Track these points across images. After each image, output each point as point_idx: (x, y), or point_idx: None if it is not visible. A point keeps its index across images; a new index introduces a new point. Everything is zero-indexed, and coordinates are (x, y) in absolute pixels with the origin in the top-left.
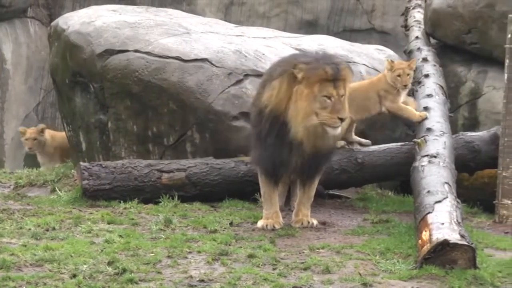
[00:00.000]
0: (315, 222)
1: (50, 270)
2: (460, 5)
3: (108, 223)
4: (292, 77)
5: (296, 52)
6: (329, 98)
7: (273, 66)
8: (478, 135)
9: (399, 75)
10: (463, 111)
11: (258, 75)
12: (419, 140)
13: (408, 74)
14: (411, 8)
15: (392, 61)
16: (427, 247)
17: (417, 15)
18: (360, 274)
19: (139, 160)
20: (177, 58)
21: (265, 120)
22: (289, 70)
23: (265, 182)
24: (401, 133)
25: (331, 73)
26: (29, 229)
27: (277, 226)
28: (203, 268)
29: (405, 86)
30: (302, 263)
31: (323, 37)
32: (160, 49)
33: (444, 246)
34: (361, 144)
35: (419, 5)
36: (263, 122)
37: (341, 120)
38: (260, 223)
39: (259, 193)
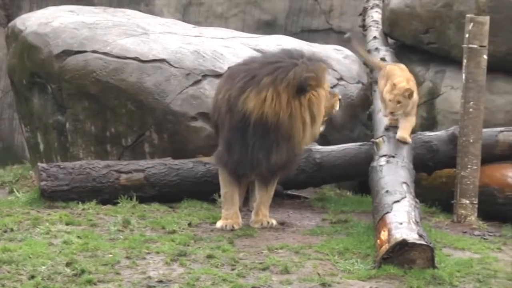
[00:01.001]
0: (274, 222)
1: (8, 272)
2: (418, 5)
3: (67, 224)
4: (294, 89)
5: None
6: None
7: (255, 70)
8: (436, 135)
9: (390, 100)
10: (421, 111)
11: (217, 75)
12: (377, 140)
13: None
14: (369, 8)
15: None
16: (385, 247)
17: (375, 15)
18: (319, 274)
19: (97, 161)
20: (135, 58)
21: (250, 125)
22: (293, 82)
23: (229, 182)
24: (359, 133)
25: (326, 69)
26: None
27: (236, 227)
28: (161, 268)
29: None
30: (261, 263)
31: (281, 37)
32: (118, 49)
33: (403, 245)
34: None
35: (377, 5)
36: (245, 126)
37: (340, 101)
38: (219, 224)
39: (217, 193)
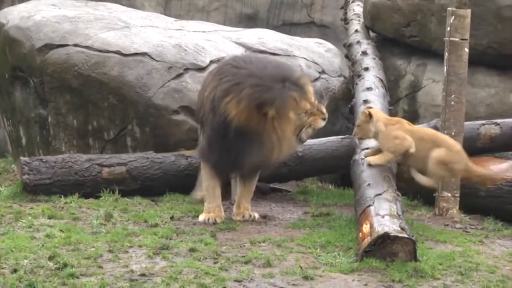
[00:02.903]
0: (256, 215)
1: None
2: None
3: (49, 218)
4: (262, 112)
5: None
6: (307, 112)
7: (242, 77)
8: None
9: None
10: (403, 104)
11: (199, 68)
12: None
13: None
14: (351, 1)
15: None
16: (367, 240)
17: (357, 8)
18: (301, 267)
19: (79, 154)
20: (117, 52)
21: (230, 129)
22: (252, 106)
23: (211, 176)
24: (341, 126)
25: (298, 96)
26: None
27: (218, 220)
28: (144, 262)
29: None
30: (243, 256)
31: (262, 30)
32: (100, 43)
33: (385, 239)
34: None
35: None
36: (226, 129)
37: (324, 119)
38: (201, 217)
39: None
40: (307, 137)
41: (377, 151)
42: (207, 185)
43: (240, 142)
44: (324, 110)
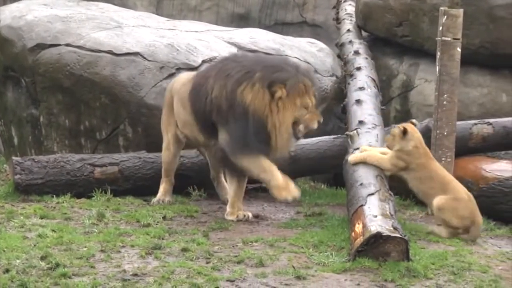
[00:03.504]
0: (250, 215)
1: None
2: None
3: (41, 218)
4: (271, 91)
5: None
6: (307, 108)
7: (250, 66)
8: None
9: None
10: (395, 104)
11: (191, 68)
12: (351, 133)
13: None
14: (343, 1)
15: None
16: (360, 240)
17: (349, 8)
18: (293, 267)
19: (71, 154)
20: (109, 52)
21: (250, 118)
22: (265, 87)
23: (263, 161)
24: (333, 126)
25: (309, 85)
26: None
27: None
28: (136, 262)
29: None
30: (236, 256)
31: (255, 30)
32: (92, 43)
33: (377, 238)
34: None
35: None
36: (248, 119)
37: (319, 123)
38: (289, 196)
39: (191, 187)
40: (301, 135)
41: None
42: (261, 168)
43: (262, 126)
44: (320, 118)
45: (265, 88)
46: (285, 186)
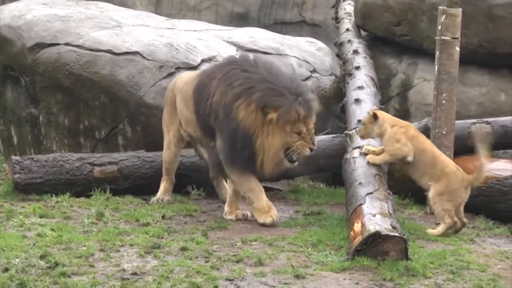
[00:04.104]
0: (249, 214)
1: None
2: None
3: (40, 217)
4: (263, 113)
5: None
6: (300, 134)
7: (255, 82)
8: None
9: None
10: (394, 103)
11: (190, 68)
12: (350, 132)
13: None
14: (342, 0)
15: None
16: (359, 239)
17: (348, 7)
18: (292, 266)
19: (70, 153)
20: (108, 51)
21: (239, 134)
22: (259, 108)
23: (246, 177)
24: (332, 125)
25: (304, 115)
26: None
27: (276, 218)
28: (135, 261)
29: None
30: (235, 255)
31: (254, 29)
32: (91, 42)
33: (376, 237)
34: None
35: None
36: (237, 135)
37: (311, 150)
38: (267, 220)
39: (190, 186)
40: (296, 158)
41: (381, 150)
42: (248, 187)
43: (249, 144)
44: (315, 142)
45: (259, 109)
46: (267, 210)
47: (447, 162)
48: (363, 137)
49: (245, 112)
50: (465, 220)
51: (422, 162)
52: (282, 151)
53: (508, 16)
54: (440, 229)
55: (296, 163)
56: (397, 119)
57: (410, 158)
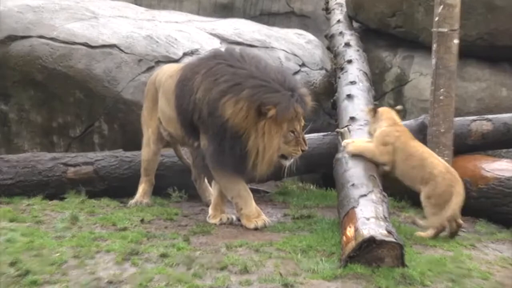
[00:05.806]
0: (234, 217)
1: None
2: None
3: (10, 221)
4: (259, 111)
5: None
6: (294, 132)
7: (241, 78)
8: (405, 124)
9: None
10: (388, 99)
11: (171, 61)
12: (342, 130)
13: None
14: None
15: None
16: (352, 244)
17: None
18: (280, 274)
19: (43, 153)
20: (83, 44)
21: (228, 133)
22: (256, 106)
23: (235, 180)
24: (322, 122)
25: (301, 112)
26: None
27: (267, 223)
28: (112, 268)
29: None
30: (219, 262)
31: (239, 21)
32: (66, 34)
33: (370, 243)
34: None
35: None
36: (225, 134)
37: (303, 151)
38: (251, 225)
39: (172, 188)
40: (290, 157)
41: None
42: (237, 192)
43: (235, 146)
44: (304, 147)
45: (251, 107)
46: (256, 216)
47: (436, 163)
48: (369, 133)
49: (233, 110)
50: (460, 221)
51: (411, 167)
52: (279, 151)
53: (509, 6)
54: (429, 232)
55: (290, 161)
56: (398, 121)
57: (387, 168)
